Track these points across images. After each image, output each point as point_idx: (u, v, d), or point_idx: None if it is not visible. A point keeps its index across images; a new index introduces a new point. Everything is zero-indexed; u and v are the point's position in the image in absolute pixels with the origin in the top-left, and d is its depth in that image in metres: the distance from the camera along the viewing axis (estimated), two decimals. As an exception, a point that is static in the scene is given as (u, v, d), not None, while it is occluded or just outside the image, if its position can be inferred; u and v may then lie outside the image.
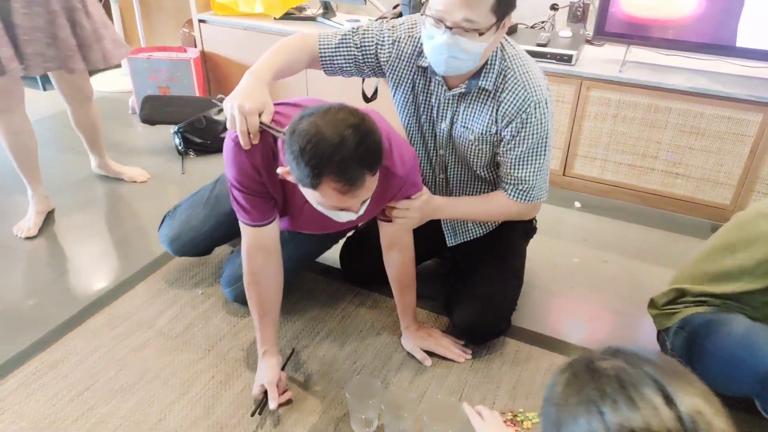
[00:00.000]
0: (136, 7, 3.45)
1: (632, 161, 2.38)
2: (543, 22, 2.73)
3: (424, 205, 1.47)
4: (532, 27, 2.75)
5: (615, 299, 1.88)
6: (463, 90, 1.44)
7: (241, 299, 1.71)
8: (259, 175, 1.29)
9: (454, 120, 1.50)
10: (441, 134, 1.55)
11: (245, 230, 1.38)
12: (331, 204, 1.13)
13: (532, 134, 1.43)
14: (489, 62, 1.40)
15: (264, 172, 1.29)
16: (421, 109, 1.54)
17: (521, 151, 1.45)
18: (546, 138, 1.45)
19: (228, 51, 3.13)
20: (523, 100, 1.40)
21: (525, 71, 1.41)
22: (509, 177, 1.51)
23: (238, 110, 1.20)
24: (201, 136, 2.81)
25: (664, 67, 2.35)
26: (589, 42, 2.59)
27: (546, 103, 1.42)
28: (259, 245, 1.39)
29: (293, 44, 1.46)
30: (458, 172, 1.62)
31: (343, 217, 1.19)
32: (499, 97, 1.42)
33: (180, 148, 2.81)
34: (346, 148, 1.04)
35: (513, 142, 1.45)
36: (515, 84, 1.40)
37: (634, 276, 2.01)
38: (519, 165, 1.47)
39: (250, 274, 1.40)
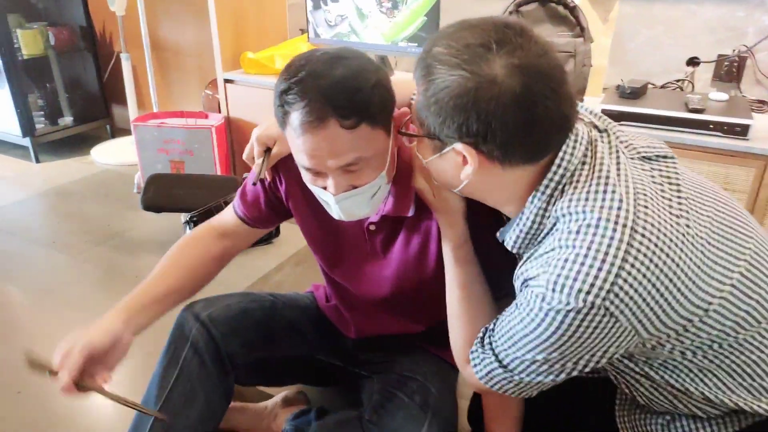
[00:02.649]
0: (149, 64, 2.87)
1: None
2: (678, 81, 2.05)
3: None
4: (662, 87, 2.07)
5: None
6: None
7: None
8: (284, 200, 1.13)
9: None
10: None
11: (225, 212, 1.22)
12: (302, 156, 0.87)
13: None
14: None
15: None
16: None
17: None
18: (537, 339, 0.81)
19: (259, 118, 2.49)
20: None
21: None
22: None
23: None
24: (220, 228, 2.13)
25: None
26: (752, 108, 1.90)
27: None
28: (222, 229, 1.20)
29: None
30: None
31: (332, 207, 0.93)
32: None
33: (192, 242, 2.12)
34: (316, 70, 0.83)
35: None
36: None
37: None
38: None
39: (185, 241, 1.18)
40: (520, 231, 0.84)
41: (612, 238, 0.72)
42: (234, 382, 1.19)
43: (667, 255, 0.73)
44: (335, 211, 0.95)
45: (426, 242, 1.06)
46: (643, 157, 0.85)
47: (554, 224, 0.80)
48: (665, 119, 1.74)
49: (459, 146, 0.76)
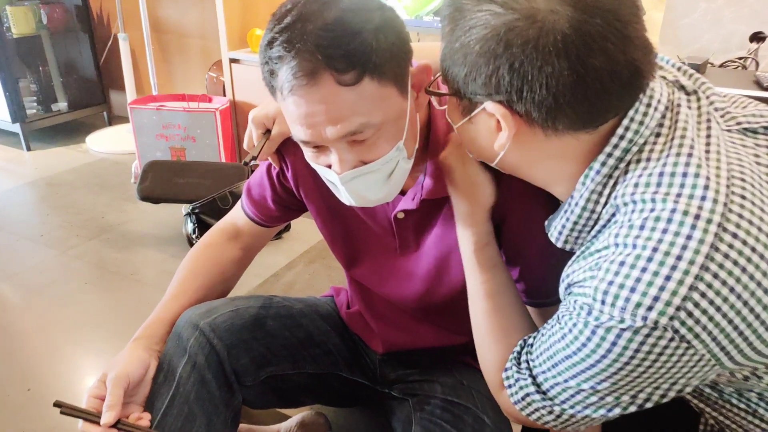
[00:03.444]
0: (148, 46, 2.65)
1: None
2: (741, 59, 1.84)
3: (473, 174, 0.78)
4: (721, 66, 1.86)
5: None
6: None
7: None
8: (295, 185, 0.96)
9: None
10: None
11: (235, 209, 1.10)
12: (296, 126, 0.70)
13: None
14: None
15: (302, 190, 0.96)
16: None
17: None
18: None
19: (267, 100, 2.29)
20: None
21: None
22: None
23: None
24: (225, 221, 1.92)
25: None
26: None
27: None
28: (233, 230, 1.07)
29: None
30: None
31: (339, 189, 0.76)
32: None
33: (194, 237, 1.92)
34: (305, 12, 0.66)
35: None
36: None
37: None
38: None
39: (197, 252, 1.06)
40: (567, 220, 0.67)
41: (689, 237, 0.54)
42: (241, 404, 0.98)
43: None
44: (343, 195, 0.78)
45: None
46: (746, 129, 0.65)
47: (613, 215, 0.62)
48: (736, 99, 1.53)
49: (490, 106, 0.60)
